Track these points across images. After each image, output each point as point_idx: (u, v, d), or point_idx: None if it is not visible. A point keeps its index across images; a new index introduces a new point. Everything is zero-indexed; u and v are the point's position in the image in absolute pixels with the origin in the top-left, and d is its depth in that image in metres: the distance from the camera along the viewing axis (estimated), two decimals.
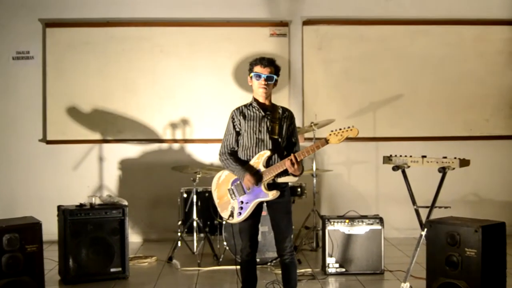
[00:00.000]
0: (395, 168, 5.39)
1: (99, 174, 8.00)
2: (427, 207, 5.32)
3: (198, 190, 7.02)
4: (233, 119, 4.74)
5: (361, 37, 8.08)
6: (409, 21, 8.10)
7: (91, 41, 7.91)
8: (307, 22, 8.06)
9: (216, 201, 4.83)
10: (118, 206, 6.12)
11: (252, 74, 4.70)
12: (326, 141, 4.41)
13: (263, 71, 4.64)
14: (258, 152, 4.61)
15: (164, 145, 8.06)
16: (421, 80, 8.10)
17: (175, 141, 8.03)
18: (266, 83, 4.64)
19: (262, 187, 4.55)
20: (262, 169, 4.56)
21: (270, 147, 4.60)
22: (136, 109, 7.95)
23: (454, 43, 8.12)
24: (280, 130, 4.65)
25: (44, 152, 7.93)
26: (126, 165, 8.03)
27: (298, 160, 4.45)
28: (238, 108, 4.78)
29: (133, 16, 7.97)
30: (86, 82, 7.91)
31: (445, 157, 5.21)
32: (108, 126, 7.94)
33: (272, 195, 4.54)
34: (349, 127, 4.38)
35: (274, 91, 4.81)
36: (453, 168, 5.18)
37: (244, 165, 4.63)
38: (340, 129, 4.40)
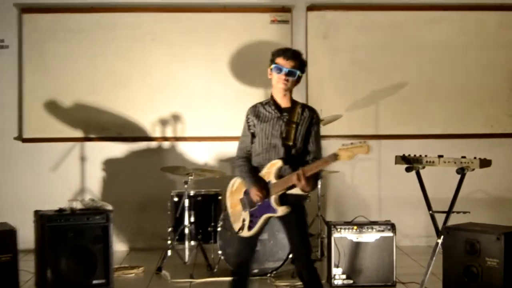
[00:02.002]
0: (409, 169, 5.39)
1: (81, 176, 7.99)
2: (443, 212, 5.32)
3: (191, 194, 7.00)
4: (248, 118, 4.62)
5: (371, 24, 8.07)
6: (424, 6, 8.09)
7: (74, 29, 7.89)
8: (312, 8, 8.05)
9: (229, 210, 4.77)
10: (101, 211, 6.11)
11: (272, 66, 4.53)
12: (336, 157, 4.24)
13: (285, 63, 4.47)
14: (270, 159, 4.51)
15: (153, 144, 8.05)
16: (437, 71, 8.10)
17: (165, 139, 8.03)
18: (286, 78, 4.47)
19: (272, 201, 4.46)
20: (273, 180, 4.46)
21: (283, 155, 4.49)
22: (122, 104, 7.94)
23: (475, 30, 8.11)
24: (296, 135, 4.51)
25: (19, 151, 7.92)
26: (111, 166, 8.02)
27: (307, 175, 4.31)
28: (253, 106, 4.65)
29: (121, 0, 7.96)
30: (67, 74, 7.90)
31: (463, 157, 5.22)
32: (92, 122, 7.94)
33: (282, 211, 4.44)
34: (359, 142, 4.22)
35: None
36: (473, 169, 5.19)
37: (257, 173, 4.56)
38: (352, 144, 4.23)
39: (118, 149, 8.03)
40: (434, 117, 8.10)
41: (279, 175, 4.46)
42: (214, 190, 7.15)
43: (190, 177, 6.86)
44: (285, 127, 4.50)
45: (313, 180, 4.37)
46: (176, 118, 8.00)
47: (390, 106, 8.06)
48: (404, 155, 5.51)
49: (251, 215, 4.56)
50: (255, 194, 4.48)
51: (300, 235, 4.55)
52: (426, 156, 5.42)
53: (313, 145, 4.55)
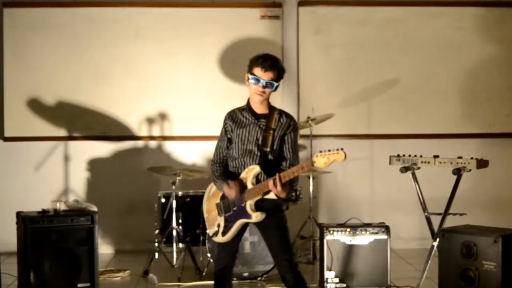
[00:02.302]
0: (403, 169, 5.39)
1: (64, 176, 7.97)
2: (439, 214, 5.33)
3: (178, 194, 6.99)
4: (225, 123, 4.67)
5: (364, 20, 8.08)
6: (420, 1, 8.11)
7: (56, 24, 7.85)
8: (303, 3, 8.05)
9: (205, 215, 4.81)
10: (86, 212, 6.08)
11: (249, 75, 4.55)
12: (312, 163, 4.27)
13: (263, 75, 4.49)
14: (246, 165, 4.54)
15: (140, 143, 8.04)
16: (433, 69, 8.11)
17: (152, 138, 8.01)
18: (263, 90, 4.52)
19: (248, 207, 4.49)
20: (249, 186, 4.49)
21: (259, 161, 4.52)
22: (107, 102, 7.92)
23: (471, 27, 8.12)
24: (272, 141, 4.54)
25: (0, 151, 7.90)
26: (95, 166, 8.00)
27: (283, 181, 4.33)
28: (231, 111, 4.69)
29: None
30: (50, 71, 7.87)
31: (460, 157, 5.23)
32: (75, 121, 7.92)
33: (256, 217, 4.46)
34: (337, 150, 4.21)
35: None
36: (469, 170, 5.19)
37: (233, 177, 4.56)
38: (329, 151, 4.23)
39: (103, 149, 8.00)
40: (430, 116, 8.11)
41: (256, 180, 4.50)
42: (202, 191, 7.01)
43: (177, 178, 6.85)
44: (262, 133, 4.54)
45: (289, 186, 4.39)
46: (163, 116, 7.98)
47: (384, 104, 8.07)
48: (398, 155, 5.51)
49: (226, 220, 4.59)
50: (229, 189, 4.49)
51: (280, 240, 4.55)
52: (421, 156, 5.42)
53: (289, 152, 4.58)
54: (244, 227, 4.62)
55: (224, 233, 4.60)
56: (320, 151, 4.25)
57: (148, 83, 7.95)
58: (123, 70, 7.94)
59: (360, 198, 8.14)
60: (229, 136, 4.63)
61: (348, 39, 8.06)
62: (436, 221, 5.31)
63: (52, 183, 7.92)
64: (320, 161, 4.23)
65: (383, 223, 6.25)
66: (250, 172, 4.49)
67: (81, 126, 7.92)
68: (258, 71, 4.49)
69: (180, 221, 6.91)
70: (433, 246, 5.25)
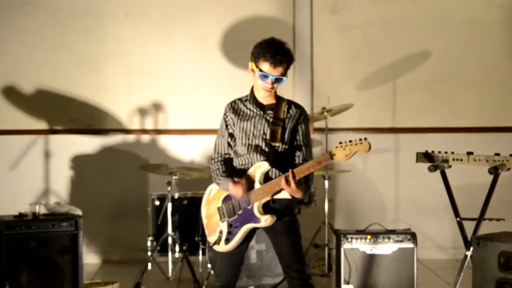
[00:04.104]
0: (432, 168, 5.38)
1: (44, 175, 8.01)
2: (473, 219, 5.32)
3: (175, 196, 7.02)
4: (226, 116, 4.67)
5: None
6: None
7: (35, 3, 7.90)
8: None
9: (204, 221, 4.79)
10: (69, 216, 6.09)
11: (256, 69, 4.54)
12: (331, 156, 4.27)
13: (272, 71, 4.48)
14: (253, 161, 4.54)
15: (131, 137, 8.07)
16: (466, 53, 8.11)
17: (144, 131, 8.05)
18: (272, 86, 4.53)
19: (255, 209, 4.47)
20: (257, 185, 4.48)
21: (268, 157, 4.51)
22: (93, 90, 7.96)
23: (511, 4, 8.12)
24: (282, 135, 4.55)
25: None
26: (80, 163, 8.03)
27: (297, 178, 4.33)
28: (232, 102, 4.70)
29: None
30: (28, 55, 7.90)
31: (497, 154, 5.21)
32: (58, 112, 7.96)
33: (265, 221, 4.44)
34: (360, 140, 4.22)
35: None
36: (508, 169, 5.19)
37: (239, 175, 4.54)
38: (350, 142, 4.23)
39: (88, 144, 8.03)
40: (463, 107, 8.13)
41: (266, 179, 4.48)
42: (202, 192, 7.05)
43: (174, 177, 6.86)
44: (269, 126, 4.54)
45: (304, 184, 4.40)
46: (157, 107, 8.01)
47: (410, 93, 8.09)
48: (426, 151, 5.51)
49: (230, 226, 4.58)
50: (235, 187, 4.47)
51: (291, 247, 4.55)
52: (452, 153, 5.42)
53: (301, 145, 4.59)
54: (250, 233, 4.60)
55: (227, 241, 4.59)
56: (340, 142, 4.25)
57: (140, 69, 7.98)
58: (111, 55, 7.97)
59: (382, 201, 8.15)
60: (230, 130, 4.64)
61: (369, 19, 8.07)
62: (469, 227, 5.32)
63: (30, 183, 7.95)
64: (340, 153, 4.23)
65: (409, 229, 6.25)
66: (258, 170, 4.48)
67: (63, 118, 7.97)
68: (266, 66, 4.48)
69: (177, 227, 6.94)
70: (466, 256, 5.25)
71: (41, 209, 6.15)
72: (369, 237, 6.14)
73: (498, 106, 8.13)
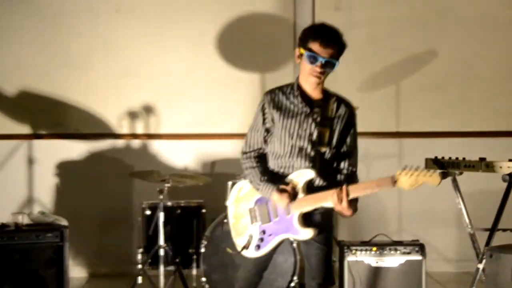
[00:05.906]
0: (443, 175, 5.36)
1: (28, 183, 7.99)
2: (486, 230, 5.31)
3: (167, 205, 6.98)
4: (263, 108, 4.46)
5: None
6: None
7: None
8: None
9: (231, 220, 4.66)
10: (54, 227, 6.10)
11: (304, 51, 4.36)
12: (394, 183, 4.12)
13: (323, 52, 4.32)
14: (295, 166, 4.38)
15: (120, 142, 8.07)
16: (479, 53, 8.12)
17: (135, 136, 8.05)
18: (322, 70, 4.36)
19: (295, 220, 4.32)
20: (300, 194, 4.32)
21: (314, 164, 4.35)
22: (80, 93, 7.95)
23: None
24: (331, 137, 4.38)
25: None
26: (66, 170, 8.02)
27: (350, 197, 4.18)
28: (271, 92, 4.47)
29: None
30: (11, 55, 7.91)
31: (511, 160, 5.21)
32: (42, 115, 7.97)
33: (307, 235, 4.32)
34: (428, 171, 4.09)
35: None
36: None
37: (276, 179, 4.39)
38: (416, 170, 4.09)
39: (75, 149, 8.02)
40: (474, 110, 8.14)
41: (309, 188, 4.33)
42: (196, 201, 7.15)
43: (166, 185, 6.83)
44: (316, 127, 4.36)
45: (354, 202, 4.26)
46: (148, 110, 8.00)
47: (417, 95, 8.10)
48: (436, 157, 5.50)
49: (263, 232, 4.46)
50: (280, 196, 4.29)
51: (322, 259, 4.50)
52: (464, 159, 5.40)
53: (349, 153, 4.46)
54: (281, 243, 4.51)
55: (258, 248, 4.47)
56: (405, 167, 4.09)
57: (131, 69, 7.98)
58: (101, 54, 7.97)
59: (388, 211, 8.15)
60: (268, 125, 4.46)
61: (374, 16, 8.08)
62: (482, 238, 5.30)
63: (13, 192, 7.94)
64: (405, 182, 4.09)
65: (417, 240, 6.26)
66: (301, 177, 4.32)
67: (48, 121, 7.98)
68: (316, 46, 4.32)
69: (169, 238, 6.91)
70: (478, 269, 5.25)
71: (24, 219, 6.15)
72: (374, 248, 6.14)
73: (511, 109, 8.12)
